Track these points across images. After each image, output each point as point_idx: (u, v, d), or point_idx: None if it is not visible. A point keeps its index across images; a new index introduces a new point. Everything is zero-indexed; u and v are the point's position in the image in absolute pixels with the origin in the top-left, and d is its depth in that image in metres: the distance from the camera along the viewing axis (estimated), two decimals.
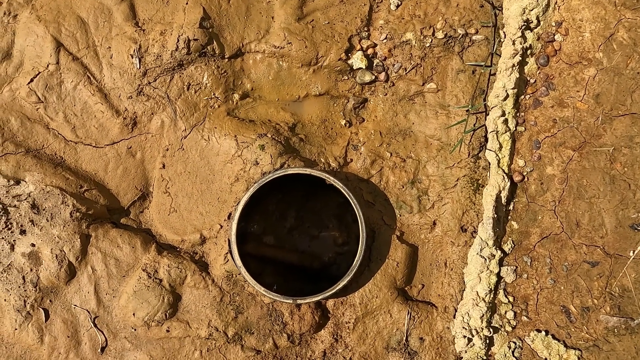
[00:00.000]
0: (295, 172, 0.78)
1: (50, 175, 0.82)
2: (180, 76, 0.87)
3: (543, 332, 0.76)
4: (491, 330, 0.76)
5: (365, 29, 0.90)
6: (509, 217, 0.81)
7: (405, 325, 0.80)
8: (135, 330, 0.79)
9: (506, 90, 0.81)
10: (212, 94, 0.87)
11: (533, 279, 0.78)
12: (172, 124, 0.86)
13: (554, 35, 0.84)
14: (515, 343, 0.77)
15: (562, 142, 0.81)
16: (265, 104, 0.89)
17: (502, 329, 0.77)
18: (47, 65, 0.86)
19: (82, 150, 0.86)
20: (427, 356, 0.79)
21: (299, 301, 0.77)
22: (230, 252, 0.79)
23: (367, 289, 0.81)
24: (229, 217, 0.82)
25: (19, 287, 0.79)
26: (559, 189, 0.79)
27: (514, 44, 0.81)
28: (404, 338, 0.80)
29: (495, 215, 0.78)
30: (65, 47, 0.87)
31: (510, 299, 0.78)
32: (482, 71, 0.85)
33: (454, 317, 0.79)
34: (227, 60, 0.88)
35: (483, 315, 0.75)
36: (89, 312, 0.80)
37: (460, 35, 0.87)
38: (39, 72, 0.86)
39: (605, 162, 0.79)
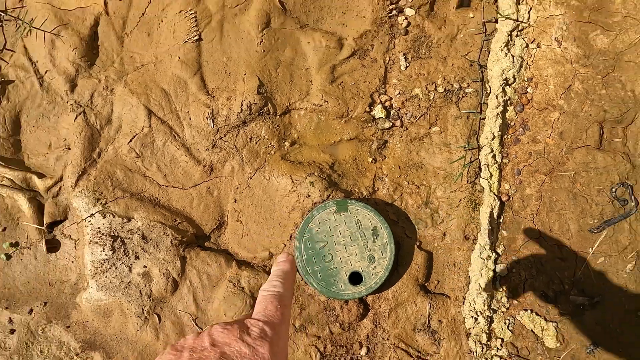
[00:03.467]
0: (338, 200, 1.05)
1: (151, 213, 1.08)
2: (244, 131, 1.13)
3: (529, 311, 1.03)
4: (491, 311, 1.03)
5: (383, 86, 1.17)
6: (500, 227, 1.08)
7: (427, 311, 1.06)
8: None
9: (493, 133, 1.07)
10: (269, 143, 1.13)
11: (519, 272, 1.05)
12: (240, 168, 1.13)
13: (527, 88, 1.11)
14: (509, 320, 1.03)
15: (536, 169, 1.08)
16: (309, 149, 1.15)
17: (499, 310, 1.04)
18: (142, 128, 1.12)
19: (172, 192, 1.12)
20: (444, 334, 1.05)
21: (346, 298, 1.03)
22: None
23: (397, 286, 1.07)
24: (290, 238, 1.08)
25: (137, 299, 1.05)
26: (536, 204, 1.06)
27: (497, 97, 1.08)
28: (427, 321, 1.06)
29: (490, 227, 1.05)
30: (154, 113, 1.13)
31: (504, 287, 1.05)
32: (474, 117, 1.12)
33: (463, 304, 1.05)
34: (278, 116, 1.14)
35: (484, 301, 1.02)
36: (190, 314, 1.06)
37: (456, 89, 1.14)
38: (136, 134, 1.12)
39: (568, 183, 1.06)
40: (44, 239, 1.08)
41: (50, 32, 1.13)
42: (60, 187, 1.10)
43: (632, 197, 1.03)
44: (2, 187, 1.07)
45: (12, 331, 1.06)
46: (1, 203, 1.09)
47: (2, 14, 1.14)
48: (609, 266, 1.02)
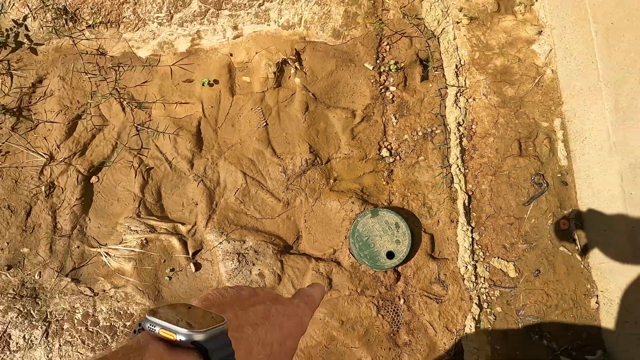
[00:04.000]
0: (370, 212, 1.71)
1: (256, 236, 1.71)
2: (304, 177, 1.79)
3: (497, 258, 1.69)
4: (474, 262, 1.69)
5: (384, 137, 1.85)
6: (471, 211, 1.75)
7: (437, 270, 1.71)
8: None
9: (456, 156, 1.77)
10: (321, 182, 1.80)
11: (487, 236, 1.72)
12: (306, 200, 1.78)
13: (472, 126, 1.81)
14: (486, 265, 1.69)
15: (486, 173, 1.77)
16: (345, 182, 1.82)
17: (479, 260, 1.70)
18: (241, 185, 1.76)
19: (266, 221, 1.75)
20: (449, 281, 1.70)
21: (386, 268, 1.67)
22: (351, 253, 1.69)
23: (415, 258, 1.72)
24: (345, 238, 1.73)
25: None
26: (489, 194, 1.75)
27: (455, 134, 1.78)
28: (437, 276, 1.71)
29: (465, 212, 1.72)
30: (247, 174, 1.78)
31: (478, 246, 1.72)
32: (443, 147, 1.81)
33: (457, 260, 1.71)
34: (324, 164, 1.81)
35: (469, 256, 1.68)
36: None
37: (430, 132, 1.84)
38: (237, 189, 1.76)
39: (506, 178, 1.75)
40: (191, 263, 1.69)
41: (172, 134, 1.78)
42: (196, 229, 1.73)
43: (544, 181, 1.72)
44: (161, 234, 1.69)
45: None
46: (161, 244, 1.71)
47: (139, 127, 1.80)
48: (538, 223, 1.70)
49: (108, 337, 1.64)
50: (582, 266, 1.66)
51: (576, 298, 1.63)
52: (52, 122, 1.78)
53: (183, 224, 1.73)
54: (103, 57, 1.83)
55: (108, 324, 1.65)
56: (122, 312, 1.66)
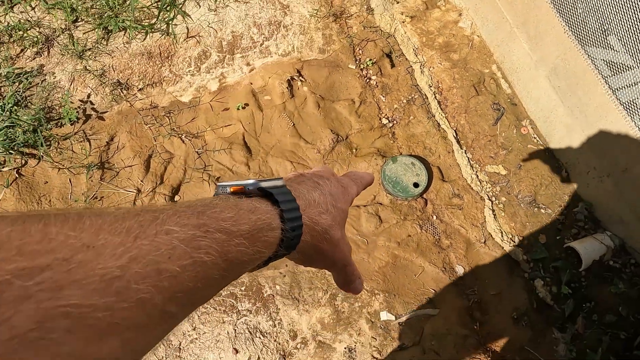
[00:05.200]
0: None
1: None
2: (334, 152, 2.34)
3: (489, 165, 2.30)
4: (475, 172, 2.28)
5: (380, 111, 2.47)
6: (459, 140, 2.37)
7: (451, 189, 2.28)
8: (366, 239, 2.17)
9: (435, 107, 2.42)
10: (347, 152, 2.36)
11: (477, 153, 2.34)
12: (341, 167, 2.32)
13: (439, 84, 2.48)
14: (484, 171, 2.29)
15: (460, 113, 2.41)
16: (364, 148, 2.39)
17: (477, 171, 2.30)
18: (290, 169, 2.28)
19: None
20: (462, 192, 2.27)
21: (416, 195, 2.22)
22: (387, 192, 2.23)
23: (433, 185, 2.28)
24: (379, 183, 2.27)
25: None
26: (467, 125, 2.39)
27: (429, 94, 2.44)
28: (453, 192, 2.28)
29: (455, 141, 2.34)
30: (292, 161, 2.30)
31: (474, 161, 2.32)
32: (425, 105, 2.45)
33: (462, 176, 2.30)
34: (344, 140, 2.38)
35: (470, 169, 2.28)
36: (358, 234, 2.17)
37: (411, 98, 2.48)
38: (288, 173, 2.27)
39: (474, 112, 2.40)
40: None
41: (226, 149, 2.30)
42: None
43: (501, 106, 2.39)
44: None
45: None
46: None
47: (199, 151, 2.30)
48: (507, 134, 2.35)
49: None
50: (547, 153, 2.30)
51: (551, 174, 2.26)
52: (131, 165, 2.25)
53: None
54: (156, 109, 2.36)
55: None
56: None
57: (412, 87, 2.50)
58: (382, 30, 2.62)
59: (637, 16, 1.63)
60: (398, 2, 2.67)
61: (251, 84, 2.45)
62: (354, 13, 2.66)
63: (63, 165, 2.20)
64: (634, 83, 1.75)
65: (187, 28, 2.49)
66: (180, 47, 2.45)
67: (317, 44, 2.56)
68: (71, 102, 2.30)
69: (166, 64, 2.42)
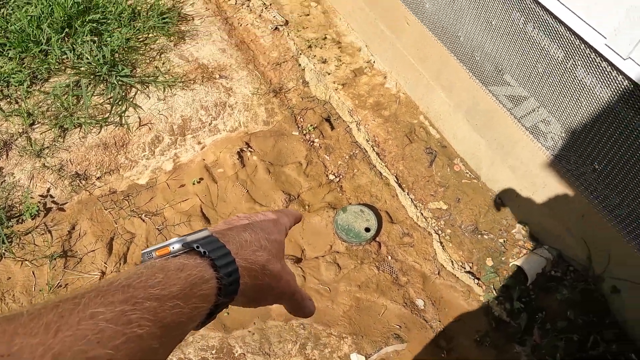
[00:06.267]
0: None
1: None
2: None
3: (431, 202, 2.50)
4: (419, 211, 2.47)
5: (326, 168, 2.68)
6: (401, 184, 2.58)
7: (400, 229, 2.45)
8: None
9: (375, 159, 2.65)
10: (300, 210, 2.52)
11: (418, 193, 2.54)
12: (298, 225, 2.46)
13: (375, 139, 2.74)
14: (427, 209, 2.48)
15: (398, 160, 2.65)
16: (316, 204, 2.56)
17: (421, 209, 2.49)
18: None
19: None
20: (411, 231, 2.44)
21: (369, 238, 2.37)
22: (342, 240, 2.37)
23: (384, 228, 2.44)
24: (334, 233, 2.42)
25: None
26: (406, 170, 2.61)
27: (368, 148, 2.68)
28: (402, 232, 2.44)
29: (397, 186, 2.55)
30: None
31: (417, 201, 2.52)
32: (366, 158, 2.68)
33: (408, 215, 2.48)
34: (297, 199, 2.55)
35: (414, 209, 2.47)
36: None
37: (353, 153, 2.71)
38: None
39: (411, 158, 2.64)
40: None
41: (185, 222, 2.42)
42: None
43: (433, 150, 2.65)
44: None
45: None
46: None
47: (159, 227, 2.41)
48: (442, 173, 2.58)
49: None
50: (479, 184, 2.53)
51: (487, 203, 2.48)
52: (93, 250, 2.32)
53: None
54: (115, 194, 2.48)
55: None
56: None
57: (352, 143, 2.74)
58: (318, 99, 2.90)
59: (521, 56, 1.95)
60: (329, 74, 2.99)
61: (204, 160, 2.63)
62: (291, 87, 2.95)
63: (25, 259, 2.25)
64: (532, 110, 2.03)
65: (139, 117, 2.69)
66: (134, 135, 2.64)
67: (261, 117, 2.80)
68: (31, 197, 2.40)
69: (122, 151, 2.59)
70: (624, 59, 1.55)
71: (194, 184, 2.53)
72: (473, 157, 2.55)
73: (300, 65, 3.03)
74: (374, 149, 2.70)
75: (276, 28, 3.20)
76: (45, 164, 2.50)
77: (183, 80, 2.86)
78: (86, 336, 0.29)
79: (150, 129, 2.68)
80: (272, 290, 0.52)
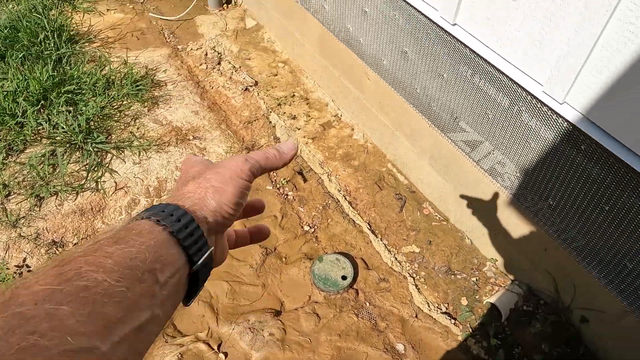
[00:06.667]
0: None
1: (255, 314, 2.34)
2: (265, 264, 2.54)
3: (404, 246, 2.57)
4: (393, 255, 2.54)
5: (301, 220, 2.75)
6: (374, 230, 2.66)
7: (376, 275, 2.51)
8: None
9: (348, 207, 2.74)
10: (277, 262, 2.56)
11: (391, 238, 2.62)
12: (274, 277, 2.50)
13: (347, 188, 2.84)
14: (401, 253, 2.55)
15: (370, 207, 2.74)
16: (292, 256, 2.61)
17: (395, 253, 2.56)
18: (227, 288, 2.43)
19: (255, 303, 2.40)
20: (387, 276, 2.49)
21: (346, 286, 2.41)
22: (320, 290, 2.41)
23: (360, 275, 2.50)
24: (311, 284, 2.45)
25: None
26: (378, 217, 2.70)
27: (340, 197, 2.77)
28: (378, 278, 2.50)
29: (370, 232, 2.62)
30: (227, 281, 2.46)
31: (390, 246, 2.59)
32: (339, 207, 2.77)
33: (383, 261, 2.54)
34: (274, 251, 2.60)
35: (389, 254, 2.54)
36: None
37: (326, 204, 2.80)
38: (226, 292, 2.41)
39: (382, 204, 2.74)
40: (220, 353, 2.22)
41: None
42: (211, 330, 2.29)
43: (402, 195, 2.76)
44: (188, 346, 2.23)
45: None
46: (192, 353, 2.22)
47: None
48: (413, 217, 2.68)
49: None
50: (449, 226, 2.63)
51: (457, 243, 2.57)
52: None
53: (201, 331, 2.30)
54: None
55: None
56: None
57: (325, 194, 2.83)
58: None
59: (472, 104, 2.10)
60: (299, 129, 3.12)
61: None
62: (263, 144, 3.07)
63: None
64: (488, 153, 2.17)
65: (115, 182, 2.75)
66: (111, 200, 2.69)
67: None
68: (7, 268, 2.40)
69: (98, 216, 2.63)
70: (561, 104, 1.71)
71: None
72: (440, 200, 2.66)
73: (270, 122, 3.17)
74: (346, 198, 2.80)
75: (246, 89, 3.35)
76: (21, 234, 2.51)
77: (158, 143, 2.96)
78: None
79: (126, 192, 2.73)
80: (238, 208, 0.51)
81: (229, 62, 3.57)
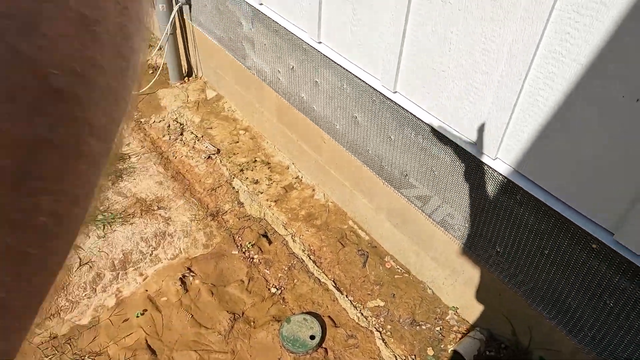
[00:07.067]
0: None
1: None
2: (234, 330, 2.54)
3: (369, 301, 2.64)
4: (359, 311, 2.60)
5: (267, 282, 2.79)
6: (339, 287, 2.73)
7: (344, 331, 2.55)
8: None
9: (312, 266, 2.81)
10: (246, 326, 2.57)
11: (356, 293, 2.69)
12: (243, 342, 2.50)
13: (311, 247, 2.92)
14: (366, 309, 2.62)
15: (335, 264, 2.82)
16: (261, 319, 2.63)
17: (361, 308, 2.62)
18: (196, 358, 2.41)
19: None
20: (355, 332, 2.54)
21: (314, 346, 2.44)
22: (290, 351, 2.43)
23: (328, 333, 2.53)
24: (281, 346, 2.47)
25: None
26: (342, 273, 2.78)
27: (304, 257, 2.85)
28: (346, 334, 2.54)
29: (336, 290, 2.69)
30: (196, 350, 2.44)
31: (356, 302, 2.65)
32: (304, 266, 2.83)
33: (350, 317, 2.59)
34: (242, 316, 2.61)
35: (354, 310, 2.60)
36: None
37: (292, 264, 2.86)
38: None
39: (345, 261, 2.83)
40: None
41: (129, 359, 2.41)
42: None
43: (365, 251, 2.86)
44: None
45: None
46: None
47: None
48: (376, 272, 2.76)
49: None
50: (411, 278, 2.73)
51: (420, 294, 2.66)
52: None
53: None
54: (56, 339, 2.45)
55: None
56: None
57: (290, 255, 2.90)
58: (254, 217, 3.10)
59: (418, 162, 2.27)
60: (262, 193, 3.23)
61: (146, 290, 2.69)
62: (227, 209, 3.15)
63: None
64: (438, 206, 2.31)
65: (79, 258, 2.75)
66: (75, 276, 2.68)
67: (201, 241, 2.94)
68: None
69: (62, 294, 2.60)
70: (494, 159, 1.89)
71: (137, 316, 2.56)
72: (400, 253, 2.77)
73: (234, 188, 3.27)
74: (310, 258, 2.87)
75: (209, 157, 3.47)
76: None
77: (122, 215, 2.99)
78: None
79: (91, 267, 2.73)
80: None
81: (192, 132, 3.70)
